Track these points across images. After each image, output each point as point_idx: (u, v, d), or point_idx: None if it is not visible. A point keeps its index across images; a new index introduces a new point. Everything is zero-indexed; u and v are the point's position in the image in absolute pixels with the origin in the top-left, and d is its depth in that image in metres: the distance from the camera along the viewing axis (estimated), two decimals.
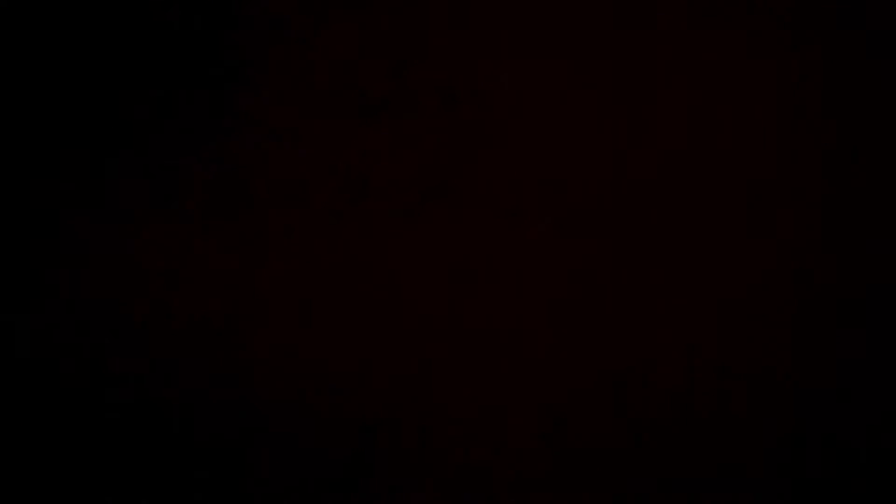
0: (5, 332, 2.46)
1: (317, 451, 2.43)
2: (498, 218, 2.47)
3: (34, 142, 2.50)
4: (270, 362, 2.46)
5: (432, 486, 2.42)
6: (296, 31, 2.49)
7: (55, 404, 2.46)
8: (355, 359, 2.45)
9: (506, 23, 2.49)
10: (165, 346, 2.46)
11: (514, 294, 2.46)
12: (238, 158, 2.48)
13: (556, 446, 2.42)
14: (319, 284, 2.47)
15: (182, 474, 2.44)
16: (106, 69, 2.41)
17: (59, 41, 2.43)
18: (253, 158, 2.48)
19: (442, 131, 2.49)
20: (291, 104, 2.48)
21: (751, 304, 2.42)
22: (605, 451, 2.41)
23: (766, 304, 2.42)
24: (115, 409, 2.45)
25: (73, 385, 2.46)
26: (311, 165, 2.49)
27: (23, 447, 2.45)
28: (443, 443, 2.43)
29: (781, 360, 2.41)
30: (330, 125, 2.47)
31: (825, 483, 2.38)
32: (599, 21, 2.50)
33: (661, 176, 2.46)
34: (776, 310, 2.42)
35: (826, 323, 2.41)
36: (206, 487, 2.44)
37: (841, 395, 2.39)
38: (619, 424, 2.41)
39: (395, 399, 2.44)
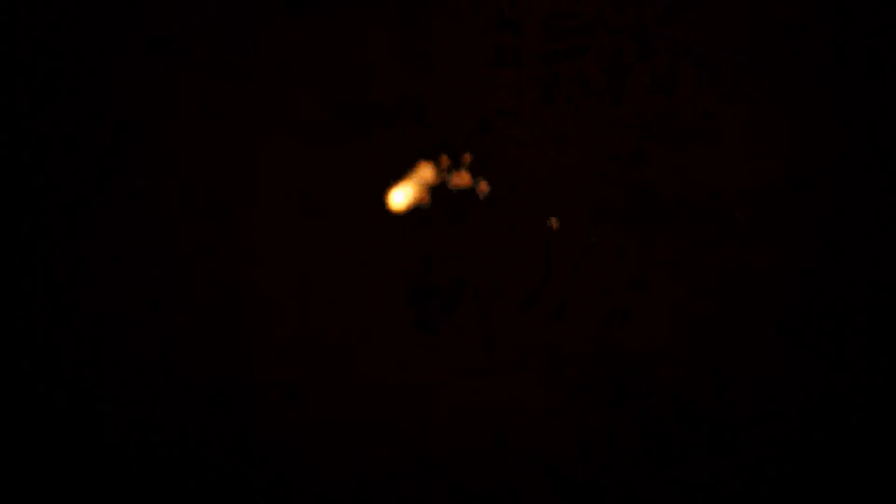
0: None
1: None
2: (499, 215, 2.47)
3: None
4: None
5: (433, 484, 2.42)
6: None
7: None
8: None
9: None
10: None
11: (513, 289, 2.46)
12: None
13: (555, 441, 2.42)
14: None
15: (180, 476, 2.44)
16: None
17: None
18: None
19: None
20: None
21: (749, 302, 2.42)
22: (605, 445, 2.42)
23: (764, 304, 2.42)
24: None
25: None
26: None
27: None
28: (441, 440, 2.43)
29: (780, 358, 2.41)
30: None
31: (825, 479, 2.38)
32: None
33: (658, 174, 2.46)
34: (775, 309, 2.42)
35: (826, 322, 2.41)
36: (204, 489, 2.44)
37: (841, 394, 2.39)
38: (621, 418, 2.41)
39: (392, 396, 2.44)
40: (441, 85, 2.49)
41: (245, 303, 2.47)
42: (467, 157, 2.48)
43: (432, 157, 2.49)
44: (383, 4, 2.49)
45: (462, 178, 2.48)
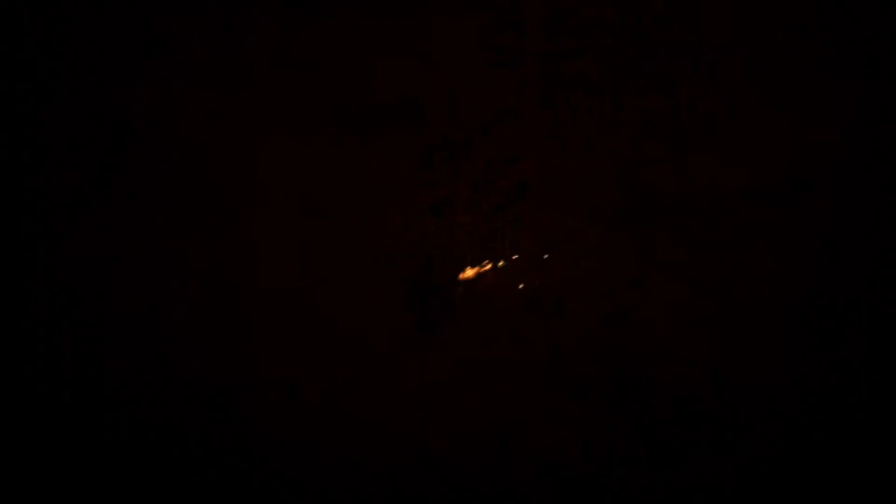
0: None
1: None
2: (499, 215, 2.47)
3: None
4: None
5: (433, 484, 2.43)
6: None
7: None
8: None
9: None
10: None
11: (513, 289, 2.46)
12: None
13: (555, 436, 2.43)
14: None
15: (182, 476, 2.45)
16: None
17: None
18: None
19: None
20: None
21: (749, 301, 2.42)
22: (604, 442, 2.42)
23: (764, 303, 2.42)
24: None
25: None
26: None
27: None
28: (441, 440, 2.43)
29: (780, 359, 2.41)
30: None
31: (825, 479, 2.38)
32: None
33: (658, 174, 2.46)
34: (774, 309, 2.42)
35: (826, 322, 2.41)
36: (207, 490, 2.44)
37: (841, 394, 2.39)
38: (619, 416, 2.41)
39: (390, 399, 2.44)
40: (441, 85, 2.49)
41: (245, 303, 2.47)
42: (467, 158, 2.48)
43: (432, 157, 2.49)
44: (383, 4, 2.49)
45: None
